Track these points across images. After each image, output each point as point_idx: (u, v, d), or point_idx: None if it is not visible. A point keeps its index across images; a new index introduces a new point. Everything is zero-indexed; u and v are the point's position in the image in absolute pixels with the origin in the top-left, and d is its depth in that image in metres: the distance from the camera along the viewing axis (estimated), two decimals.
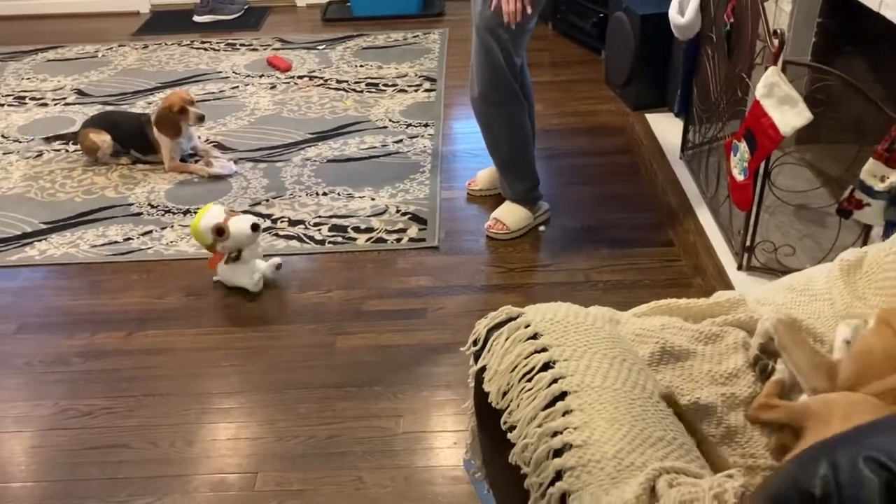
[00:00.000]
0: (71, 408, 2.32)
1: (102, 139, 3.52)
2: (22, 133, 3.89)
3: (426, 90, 4.16)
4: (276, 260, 2.82)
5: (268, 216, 3.15)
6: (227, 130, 3.83)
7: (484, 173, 3.27)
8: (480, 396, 1.32)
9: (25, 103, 4.20)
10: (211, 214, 2.71)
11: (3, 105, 4.19)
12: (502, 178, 3.03)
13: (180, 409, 2.31)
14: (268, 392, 2.35)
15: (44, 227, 3.16)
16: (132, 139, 3.56)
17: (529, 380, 1.15)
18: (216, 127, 3.85)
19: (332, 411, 2.27)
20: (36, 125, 3.96)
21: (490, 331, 1.30)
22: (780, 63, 2.28)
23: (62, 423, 2.28)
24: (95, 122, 3.59)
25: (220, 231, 2.68)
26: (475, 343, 1.33)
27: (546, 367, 1.16)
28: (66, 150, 3.70)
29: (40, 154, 3.70)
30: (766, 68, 2.35)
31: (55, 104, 4.17)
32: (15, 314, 2.70)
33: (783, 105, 2.25)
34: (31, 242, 3.06)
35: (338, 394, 2.33)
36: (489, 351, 1.26)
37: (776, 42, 2.29)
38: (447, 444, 2.16)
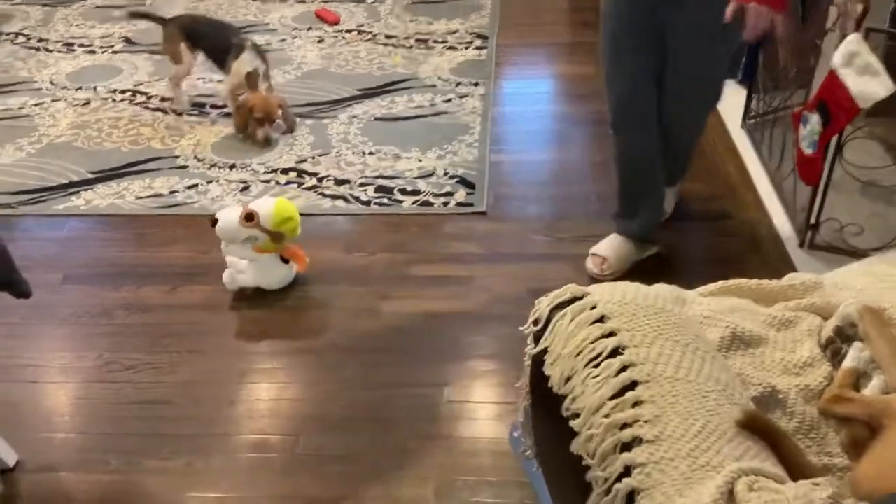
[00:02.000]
0: (115, 361, 2.32)
1: (189, 59, 3.48)
2: (71, 81, 3.87)
3: (477, 48, 4.04)
4: None
5: (313, 174, 3.09)
6: (274, 84, 3.76)
7: (612, 247, 2.58)
8: (537, 378, 1.26)
9: (73, 50, 4.18)
10: (228, 209, 2.52)
11: (51, 52, 4.17)
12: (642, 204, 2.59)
13: (223, 367, 2.29)
14: (311, 354, 2.32)
15: (90, 176, 3.14)
16: (215, 56, 3.48)
17: (596, 366, 1.09)
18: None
19: (375, 377, 2.24)
20: (84, 73, 3.94)
21: (553, 310, 1.24)
22: (862, 30, 2.14)
23: (106, 376, 2.27)
24: (188, 32, 3.47)
25: (249, 216, 2.45)
26: (535, 323, 1.26)
27: (614, 353, 1.10)
28: (113, 100, 3.68)
29: (87, 102, 3.67)
30: (843, 36, 2.21)
31: (103, 52, 4.14)
32: (61, 264, 2.69)
33: (863, 75, 2.11)
34: (78, 192, 3.05)
35: (381, 359, 2.29)
36: (552, 332, 1.19)
37: (859, 7, 2.15)
38: (491, 415, 2.11)
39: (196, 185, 3.06)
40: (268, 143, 3.28)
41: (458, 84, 3.70)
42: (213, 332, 2.40)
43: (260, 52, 3.41)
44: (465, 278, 2.55)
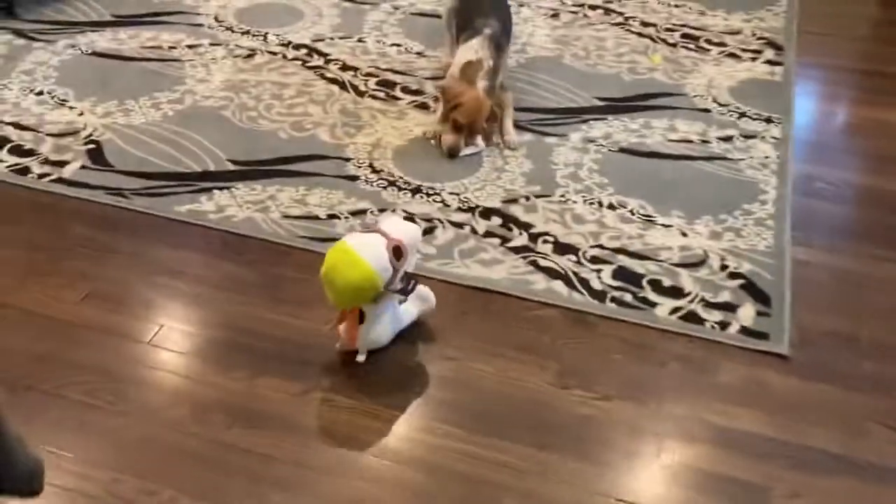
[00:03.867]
0: None
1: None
2: (239, 19, 3.09)
3: (768, 62, 2.92)
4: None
5: (525, 227, 2.16)
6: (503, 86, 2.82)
7: None
8: None
9: None
10: (369, 245, 1.71)
11: None
12: None
13: None
14: None
15: (231, 167, 2.35)
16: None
17: None
18: None
19: None
20: (258, 10, 3.15)
21: None
22: None
23: None
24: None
25: (397, 251, 1.72)
26: None
27: None
28: (284, 56, 2.87)
29: (252, 54, 2.88)
30: None
31: None
32: (157, 313, 1.92)
33: None
34: (211, 189, 2.26)
35: None
36: None
37: None
38: None
39: (364, 212, 2.21)
40: (451, 156, 2.39)
41: (743, 115, 2.62)
42: None
43: (496, 43, 2.48)
44: (759, 492, 1.55)
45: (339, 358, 1.78)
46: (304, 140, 2.47)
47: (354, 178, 2.32)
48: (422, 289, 1.84)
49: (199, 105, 2.61)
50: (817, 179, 2.37)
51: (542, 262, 2.04)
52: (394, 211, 2.18)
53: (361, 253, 1.69)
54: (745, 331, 1.86)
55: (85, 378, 1.72)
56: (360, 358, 1.78)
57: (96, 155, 2.37)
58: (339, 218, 2.16)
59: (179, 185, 2.27)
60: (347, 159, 2.39)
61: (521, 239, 2.11)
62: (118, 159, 2.36)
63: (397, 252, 1.72)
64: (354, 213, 2.18)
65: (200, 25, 3.06)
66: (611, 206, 2.23)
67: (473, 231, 2.13)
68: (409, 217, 1.87)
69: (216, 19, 3.10)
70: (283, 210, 2.18)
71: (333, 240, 2.05)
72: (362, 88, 2.72)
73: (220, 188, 2.25)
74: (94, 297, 1.91)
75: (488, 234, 2.12)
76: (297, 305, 1.90)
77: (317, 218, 2.16)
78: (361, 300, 1.73)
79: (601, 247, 2.09)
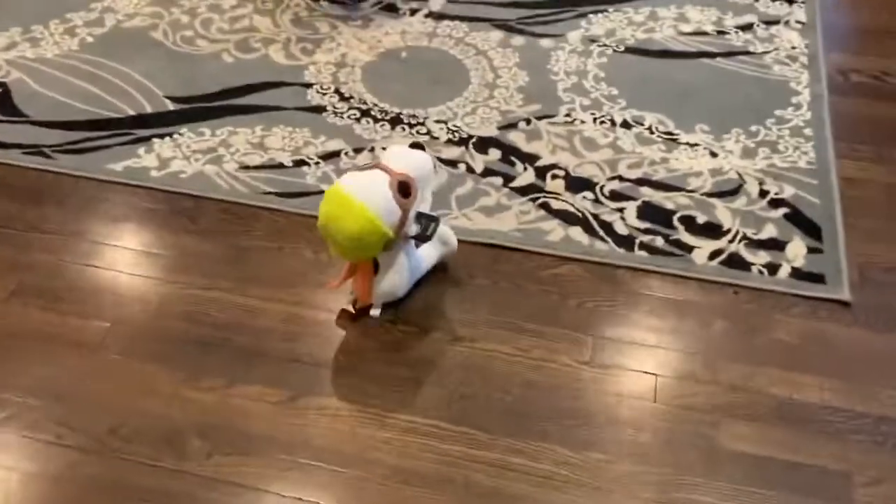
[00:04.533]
0: None
1: None
2: None
3: None
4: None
5: (530, 159, 1.83)
6: None
7: None
8: None
9: None
10: (368, 185, 1.42)
11: None
12: None
13: None
14: None
15: (172, 107, 1.97)
16: None
17: None
18: None
19: None
20: None
21: None
22: None
23: None
24: None
25: (404, 187, 1.43)
26: None
27: None
28: None
29: None
30: None
31: None
32: (104, 313, 1.60)
33: None
34: (149, 138, 1.88)
35: None
36: None
37: None
38: None
39: (337, 154, 1.86)
40: None
41: None
42: None
43: None
44: (833, 478, 1.33)
45: (335, 344, 1.49)
46: (254, 63, 2.07)
47: (320, 108, 1.95)
48: (442, 229, 1.55)
49: (122, 27, 2.17)
50: (853, 71, 2.06)
51: (555, 205, 1.73)
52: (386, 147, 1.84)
53: (359, 196, 1.39)
54: (796, 273, 1.60)
55: (20, 400, 1.42)
56: (375, 312, 1.53)
57: (4, 101, 1.96)
58: (308, 164, 1.81)
59: (110, 134, 1.88)
60: (308, 85, 2.01)
61: (526, 176, 1.79)
62: (32, 106, 1.95)
63: (404, 188, 1.42)
64: (326, 157, 1.83)
65: None
66: (625, 124, 1.90)
67: (470, 170, 1.81)
68: (417, 145, 1.54)
69: None
70: (239, 159, 1.82)
71: (304, 194, 1.74)
72: None
73: (161, 135, 1.87)
74: (23, 293, 1.58)
75: (487, 171, 1.80)
76: (271, 285, 1.59)
77: (281, 167, 1.81)
78: (370, 251, 1.45)
79: (620, 178, 1.78)
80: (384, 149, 1.75)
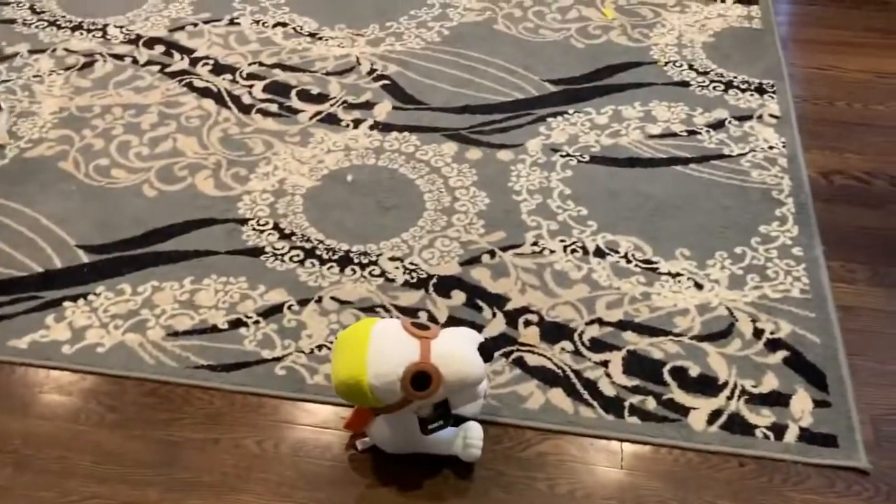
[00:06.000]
0: None
1: None
2: (65, 7, 2.32)
3: (739, 0, 2.40)
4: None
5: (496, 300, 1.63)
6: (397, 51, 2.20)
7: None
8: None
9: None
10: (388, 351, 1.24)
11: None
12: None
13: None
14: None
15: (84, 258, 1.69)
16: None
17: None
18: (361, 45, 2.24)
19: None
20: None
21: None
22: None
23: None
24: None
25: (422, 380, 1.23)
26: None
27: None
28: (136, 60, 2.15)
29: (91, 61, 2.16)
30: None
31: None
32: None
33: None
34: (59, 301, 1.63)
35: None
36: None
37: None
38: None
39: (281, 308, 1.62)
40: None
41: (729, 85, 2.11)
42: None
43: None
44: None
45: None
46: (180, 196, 1.83)
47: (257, 251, 1.72)
48: (473, 433, 1.36)
49: (26, 157, 1.92)
50: (836, 172, 1.91)
51: (531, 360, 1.53)
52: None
53: (371, 350, 1.25)
54: (805, 435, 1.42)
55: None
56: (360, 443, 1.40)
57: None
58: (246, 325, 1.58)
59: (12, 300, 1.62)
60: (243, 221, 1.78)
61: (496, 324, 1.58)
62: None
63: (420, 380, 1.24)
64: (267, 314, 1.60)
65: (12, 22, 2.30)
66: (599, 252, 1.72)
67: (433, 319, 1.59)
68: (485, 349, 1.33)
69: (33, 10, 2.33)
70: (166, 323, 1.58)
71: (242, 366, 1.52)
72: (246, 100, 2.07)
73: (73, 297, 1.62)
74: None
75: (452, 320, 1.59)
76: (210, 493, 1.35)
77: (215, 330, 1.58)
78: (353, 401, 1.31)
79: (600, 321, 1.59)
80: (449, 325, 1.54)
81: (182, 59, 2.18)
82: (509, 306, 1.62)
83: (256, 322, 1.59)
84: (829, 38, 2.32)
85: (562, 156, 1.93)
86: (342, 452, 1.40)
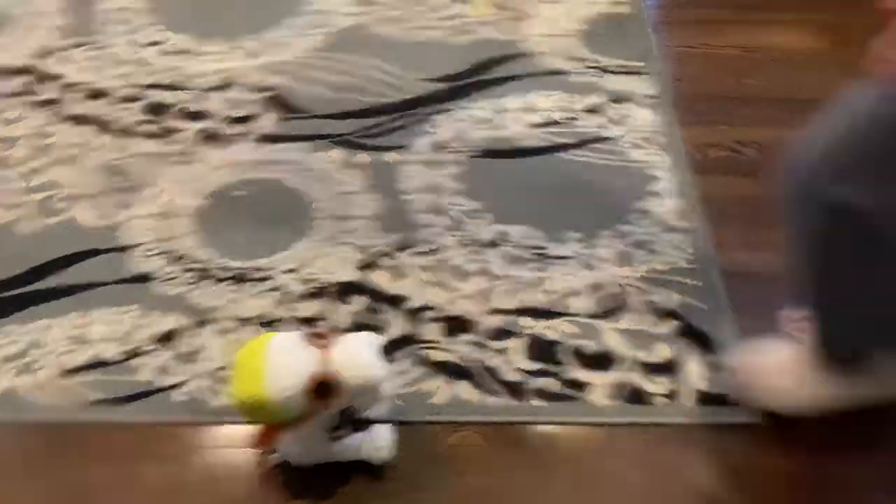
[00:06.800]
0: None
1: None
2: None
3: None
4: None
5: (392, 301, 1.65)
6: (276, 61, 2.18)
7: None
8: None
9: None
10: (286, 364, 1.23)
11: None
12: None
13: None
14: None
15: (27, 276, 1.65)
16: None
17: None
18: (265, 56, 2.21)
19: None
20: None
21: None
22: None
23: None
24: None
25: (323, 389, 1.23)
26: None
27: None
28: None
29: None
30: None
31: None
32: None
33: None
34: None
35: None
36: None
37: None
38: None
39: (178, 332, 1.59)
40: None
41: (605, 69, 2.18)
42: None
43: None
44: None
45: None
46: (60, 230, 1.77)
47: (146, 277, 1.68)
48: (381, 431, 1.37)
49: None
50: (710, 146, 2.00)
51: (435, 356, 1.55)
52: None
53: (269, 366, 1.22)
54: (700, 397, 1.50)
55: None
56: (273, 456, 1.38)
57: None
58: (139, 355, 1.55)
59: None
60: (129, 247, 1.74)
61: (398, 324, 1.60)
62: None
63: (322, 390, 1.22)
64: (163, 340, 1.57)
65: None
66: (492, 244, 1.75)
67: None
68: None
69: None
70: (59, 362, 1.53)
71: (140, 396, 1.48)
72: (125, 123, 2.01)
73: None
74: None
75: (354, 326, 1.60)
76: None
77: (108, 364, 1.53)
78: (258, 419, 1.29)
79: (499, 311, 1.63)
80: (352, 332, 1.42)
81: (52, 85, 2.11)
82: (409, 305, 1.63)
83: (153, 350, 1.55)
84: (699, 17, 2.42)
85: (450, 152, 1.95)
86: (254, 471, 1.39)
